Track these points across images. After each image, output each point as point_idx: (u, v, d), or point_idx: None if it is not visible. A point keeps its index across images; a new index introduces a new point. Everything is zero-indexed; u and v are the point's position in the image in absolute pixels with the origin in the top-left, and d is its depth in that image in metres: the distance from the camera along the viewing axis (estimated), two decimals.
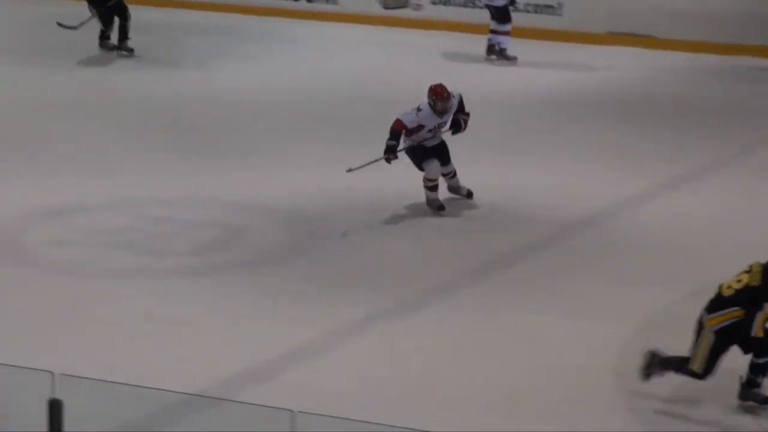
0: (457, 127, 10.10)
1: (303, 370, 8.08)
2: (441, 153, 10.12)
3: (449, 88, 9.99)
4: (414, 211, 10.46)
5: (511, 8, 14.70)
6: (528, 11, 15.93)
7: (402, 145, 10.04)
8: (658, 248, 9.93)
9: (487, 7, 14.76)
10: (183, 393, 6.50)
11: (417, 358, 8.17)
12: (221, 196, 10.73)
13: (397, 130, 9.93)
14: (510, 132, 12.53)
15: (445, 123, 10.07)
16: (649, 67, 14.93)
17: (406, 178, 10.64)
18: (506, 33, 14.85)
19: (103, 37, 14.72)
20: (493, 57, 14.84)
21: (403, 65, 14.59)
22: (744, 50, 15.10)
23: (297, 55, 15.22)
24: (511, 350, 8.24)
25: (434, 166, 10.06)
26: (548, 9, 15.99)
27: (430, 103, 9.90)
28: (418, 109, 9.91)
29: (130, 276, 9.26)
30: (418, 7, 16.47)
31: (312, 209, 10.50)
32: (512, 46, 14.88)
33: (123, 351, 7.96)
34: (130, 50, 14.63)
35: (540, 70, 14.78)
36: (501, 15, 14.70)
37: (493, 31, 14.83)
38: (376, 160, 9.98)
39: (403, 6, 16.57)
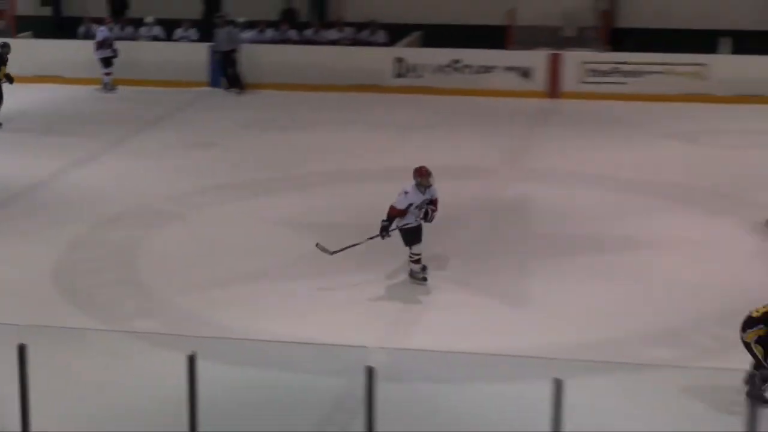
0: (426, 215, 10.53)
1: None
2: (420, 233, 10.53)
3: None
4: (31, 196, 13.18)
5: (112, 59, 19.56)
6: None
7: (394, 225, 10.45)
8: (81, 207, 12.72)
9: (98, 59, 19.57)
10: None
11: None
12: None
13: (393, 215, 10.45)
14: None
15: (429, 200, 10.49)
16: (55, 97, 19.15)
17: (37, 168, 13.92)
18: (108, 74, 19.64)
19: None
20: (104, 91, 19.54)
21: None
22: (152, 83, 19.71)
23: None
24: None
25: (421, 245, 10.54)
26: None
27: (416, 182, 10.44)
28: (405, 192, 10.45)
29: None
30: None
31: None
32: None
33: None
34: None
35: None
36: (104, 62, 19.69)
37: (104, 73, 19.70)
38: (370, 238, 10.53)
39: None
